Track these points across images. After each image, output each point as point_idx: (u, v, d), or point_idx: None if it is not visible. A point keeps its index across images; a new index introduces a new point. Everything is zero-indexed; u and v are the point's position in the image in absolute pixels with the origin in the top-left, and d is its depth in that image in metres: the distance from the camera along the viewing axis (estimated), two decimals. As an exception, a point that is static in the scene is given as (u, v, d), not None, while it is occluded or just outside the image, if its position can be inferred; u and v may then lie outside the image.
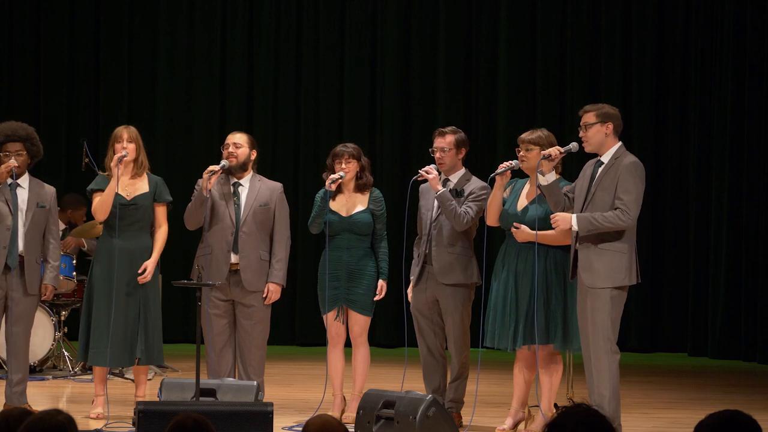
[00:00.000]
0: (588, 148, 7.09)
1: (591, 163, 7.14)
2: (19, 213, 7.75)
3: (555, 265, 7.33)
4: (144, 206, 7.92)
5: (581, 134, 7.08)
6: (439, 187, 7.70)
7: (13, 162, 7.73)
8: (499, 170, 7.44)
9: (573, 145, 7.14)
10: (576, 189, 7.13)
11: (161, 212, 8.00)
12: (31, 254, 7.75)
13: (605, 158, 7.02)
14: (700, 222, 12.38)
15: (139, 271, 7.82)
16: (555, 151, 7.09)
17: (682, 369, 11.53)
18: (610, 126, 7.03)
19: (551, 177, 7.10)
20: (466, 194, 7.73)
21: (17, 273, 7.68)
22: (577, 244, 6.99)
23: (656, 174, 12.34)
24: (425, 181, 7.77)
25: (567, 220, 6.94)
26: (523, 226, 7.38)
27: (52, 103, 12.75)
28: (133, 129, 7.99)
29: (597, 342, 6.86)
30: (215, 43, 12.87)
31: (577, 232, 6.92)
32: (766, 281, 11.75)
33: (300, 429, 7.44)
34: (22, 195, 7.79)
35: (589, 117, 7.06)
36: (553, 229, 7.19)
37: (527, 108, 12.68)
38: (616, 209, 6.87)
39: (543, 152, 7.14)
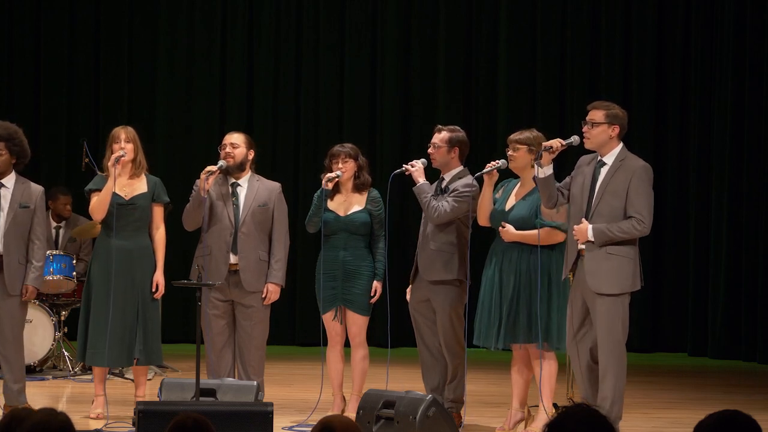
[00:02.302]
0: (588, 145, 6.96)
1: (588, 159, 7.02)
2: (0, 213, 7.64)
3: (540, 264, 7.28)
4: (142, 206, 7.90)
5: (584, 130, 6.94)
6: (420, 180, 7.73)
7: None
8: (485, 169, 7.44)
9: (575, 139, 7.02)
10: (574, 187, 6.99)
11: (159, 213, 7.98)
12: (11, 255, 7.60)
13: (608, 159, 6.90)
14: (700, 222, 12.38)
15: (153, 290, 7.84)
16: (557, 143, 6.94)
17: (682, 369, 11.52)
18: (617, 129, 6.90)
19: (548, 170, 6.99)
20: (450, 191, 7.72)
21: None
22: (582, 247, 6.87)
23: (656, 174, 12.14)
24: (410, 175, 7.78)
25: (584, 234, 6.80)
26: (509, 226, 7.37)
27: (52, 103, 12.74)
28: (130, 129, 7.97)
29: (606, 346, 6.79)
30: (215, 43, 12.87)
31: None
32: (766, 281, 11.74)
33: (300, 429, 7.45)
34: (5, 194, 7.64)
35: (597, 115, 6.91)
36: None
37: (527, 108, 12.67)
38: (629, 218, 6.76)
39: (544, 144, 7.00)
